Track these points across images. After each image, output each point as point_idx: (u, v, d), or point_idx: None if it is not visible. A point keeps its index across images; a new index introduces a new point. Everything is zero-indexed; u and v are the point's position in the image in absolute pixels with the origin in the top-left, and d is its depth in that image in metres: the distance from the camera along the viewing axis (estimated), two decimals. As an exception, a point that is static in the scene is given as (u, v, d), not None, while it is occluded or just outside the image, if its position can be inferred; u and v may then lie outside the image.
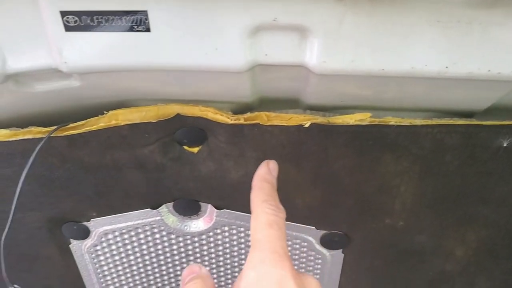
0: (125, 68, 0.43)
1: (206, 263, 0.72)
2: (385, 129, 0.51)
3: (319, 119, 0.51)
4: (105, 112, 0.52)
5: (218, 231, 0.67)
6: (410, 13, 0.39)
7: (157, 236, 0.68)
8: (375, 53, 0.41)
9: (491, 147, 0.52)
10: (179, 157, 0.57)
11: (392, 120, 0.51)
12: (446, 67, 0.41)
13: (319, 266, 0.70)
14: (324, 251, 0.68)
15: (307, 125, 0.51)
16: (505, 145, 0.52)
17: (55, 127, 0.52)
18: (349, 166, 0.56)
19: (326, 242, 0.66)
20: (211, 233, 0.67)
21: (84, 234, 0.67)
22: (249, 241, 0.68)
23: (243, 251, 0.70)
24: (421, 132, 0.51)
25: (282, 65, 0.43)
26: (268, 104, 0.54)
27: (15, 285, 0.53)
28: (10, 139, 0.53)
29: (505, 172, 0.54)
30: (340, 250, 0.68)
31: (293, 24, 0.39)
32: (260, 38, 0.41)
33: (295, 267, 0.70)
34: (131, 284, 0.75)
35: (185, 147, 0.56)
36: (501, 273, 0.68)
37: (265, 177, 0.48)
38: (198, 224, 0.66)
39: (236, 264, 0.72)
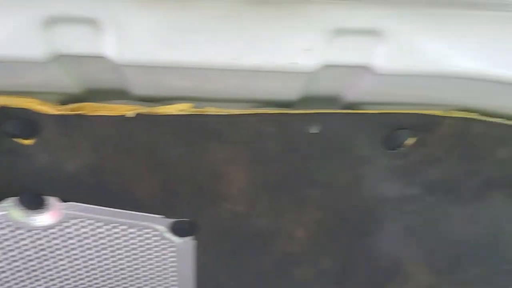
0: None
1: (61, 257, 0.72)
2: (206, 119, 0.54)
3: (143, 109, 0.54)
4: None
5: (68, 224, 0.67)
6: (196, 9, 0.42)
7: (4, 231, 0.67)
8: (165, 46, 0.44)
9: (304, 133, 0.57)
10: (12, 150, 0.57)
11: (211, 110, 0.54)
12: (234, 58, 0.44)
13: (172, 254, 0.73)
14: (175, 238, 0.70)
15: (130, 115, 0.53)
16: (316, 132, 0.57)
17: None
18: (179, 155, 0.59)
19: (176, 230, 0.69)
20: (60, 226, 0.68)
21: None
22: (101, 232, 0.69)
23: (96, 243, 0.71)
24: (239, 121, 0.55)
25: (82, 56, 0.45)
26: (98, 95, 0.56)
27: None
28: None
29: (321, 157, 0.60)
30: (191, 237, 0.71)
31: (85, 17, 0.42)
32: (56, 29, 0.43)
33: (148, 257, 0.73)
34: (-16, 282, 0.74)
35: (18, 140, 0.57)
36: (342, 250, 0.74)
37: None
38: (44, 218, 0.67)
39: (92, 256, 0.73)
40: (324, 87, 0.53)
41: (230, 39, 0.43)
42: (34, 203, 0.65)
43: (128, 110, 0.54)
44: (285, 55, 0.45)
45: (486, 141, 0.59)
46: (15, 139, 0.56)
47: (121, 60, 0.44)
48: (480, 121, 0.57)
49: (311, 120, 0.56)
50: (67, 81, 0.51)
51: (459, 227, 0.68)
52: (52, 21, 0.42)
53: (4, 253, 0.70)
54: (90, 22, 0.42)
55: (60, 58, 0.45)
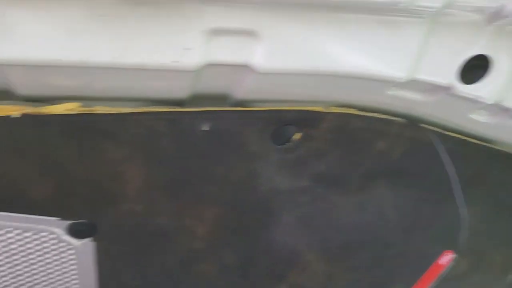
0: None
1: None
2: (93, 118, 0.55)
3: (29, 109, 0.53)
4: None
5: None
6: (78, 8, 0.43)
7: None
8: (49, 45, 0.45)
9: (196, 131, 0.59)
10: None
11: (100, 109, 0.55)
12: (115, 57, 0.46)
13: (72, 257, 0.72)
14: (73, 241, 0.70)
15: (16, 115, 0.53)
16: (207, 129, 0.59)
17: None
18: (72, 155, 0.58)
19: (74, 232, 0.68)
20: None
21: None
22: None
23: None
24: (129, 119, 0.56)
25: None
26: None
27: None
28: None
29: (214, 153, 0.62)
30: (90, 239, 0.70)
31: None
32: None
33: (47, 261, 0.71)
34: None
35: None
36: (242, 244, 0.77)
37: None
38: None
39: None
40: (211, 86, 0.56)
41: (111, 38, 0.45)
42: None
43: (13, 110, 0.53)
44: (166, 53, 0.46)
45: (365, 135, 0.64)
46: None
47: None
48: (358, 116, 0.62)
49: (202, 118, 0.58)
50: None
51: (347, 216, 0.73)
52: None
53: None
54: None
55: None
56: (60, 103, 0.55)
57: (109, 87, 0.55)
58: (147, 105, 0.59)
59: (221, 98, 0.60)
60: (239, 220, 0.73)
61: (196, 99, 0.59)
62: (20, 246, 0.69)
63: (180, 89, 0.55)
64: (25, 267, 0.72)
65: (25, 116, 0.53)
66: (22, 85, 0.52)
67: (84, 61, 0.46)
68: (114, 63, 0.46)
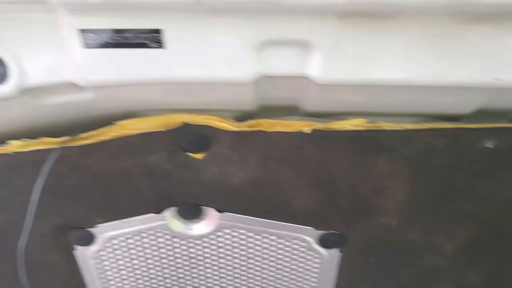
0: (140, 81, 0.46)
1: (208, 265, 0.75)
2: (379, 134, 0.55)
3: (319, 125, 0.55)
4: (114, 122, 0.55)
5: (220, 233, 0.69)
6: (405, 29, 0.42)
7: (161, 240, 0.70)
8: (372, 65, 0.45)
9: (477, 148, 0.56)
10: (184, 163, 0.60)
11: (385, 125, 0.55)
12: (437, 76, 0.44)
13: (316, 265, 0.73)
14: (322, 250, 0.71)
15: (307, 131, 0.54)
16: (490, 146, 0.56)
17: (68, 137, 0.54)
18: (345, 169, 0.59)
19: (324, 242, 0.70)
20: (213, 236, 0.70)
21: (89, 240, 0.69)
22: (250, 242, 0.71)
23: (244, 253, 0.72)
24: (412, 136, 0.55)
25: (285, 76, 0.46)
26: (268, 111, 0.58)
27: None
28: (22, 150, 0.55)
29: (490, 172, 0.59)
30: (337, 249, 0.71)
31: (298, 39, 0.43)
32: (266, 52, 0.44)
33: (292, 267, 0.74)
34: (135, 288, 0.78)
35: (190, 154, 0.59)
36: (489, 266, 0.72)
37: None
38: (200, 227, 0.69)
39: (237, 265, 0.75)
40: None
41: (437, 57, 0.43)
42: (192, 213, 0.68)
43: (305, 126, 0.55)
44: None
45: None
46: (188, 153, 0.59)
47: (323, 79, 0.45)
48: None
49: (488, 135, 0.55)
50: (252, 99, 0.52)
51: None
52: (265, 45, 0.43)
53: (157, 260, 0.73)
54: (301, 44, 0.43)
55: (260, 79, 0.46)
56: (341, 118, 0.56)
57: (393, 102, 0.54)
58: (421, 120, 0.58)
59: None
60: (492, 241, 0.69)
61: (477, 113, 0.56)
62: (272, 251, 0.72)
63: (467, 104, 0.53)
64: (272, 271, 0.75)
65: (314, 131, 0.55)
66: (314, 101, 0.53)
67: (401, 80, 0.45)
68: (432, 82, 0.45)
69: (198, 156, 0.59)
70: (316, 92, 0.50)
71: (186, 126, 0.56)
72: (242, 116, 0.58)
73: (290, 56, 0.44)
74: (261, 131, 0.55)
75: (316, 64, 0.44)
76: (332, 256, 0.72)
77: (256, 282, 0.77)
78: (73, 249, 0.70)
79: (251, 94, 0.50)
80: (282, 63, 0.45)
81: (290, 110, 0.57)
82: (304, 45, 0.43)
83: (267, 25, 0.42)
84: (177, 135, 0.56)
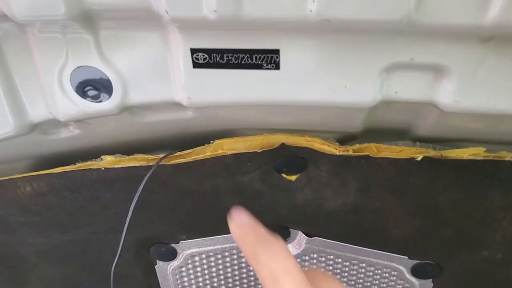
0: (249, 103, 0.42)
1: None
2: (500, 164, 0.49)
3: (432, 152, 0.50)
4: (211, 141, 0.52)
5: (306, 257, 0.66)
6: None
7: (243, 260, 0.67)
8: (509, 94, 0.40)
9: None
10: (276, 185, 0.56)
11: (507, 155, 0.49)
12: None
13: (407, 295, 0.68)
14: (414, 280, 0.66)
15: (419, 159, 0.50)
16: None
17: (163, 155, 0.52)
18: (453, 199, 0.54)
19: (417, 272, 0.65)
20: (298, 260, 0.66)
21: (171, 255, 0.67)
22: (337, 268, 0.67)
23: (328, 277, 0.68)
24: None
25: (409, 102, 0.42)
26: (373, 134, 0.53)
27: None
28: (115, 166, 0.54)
29: None
30: (430, 280, 0.66)
31: (430, 64, 0.38)
32: (393, 76, 0.40)
33: (382, 295, 0.69)
34: (211, 305, 0.75)
35: (283, 175, 0.56)
36: None
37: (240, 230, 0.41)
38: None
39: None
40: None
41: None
42: (279, 235, 0.64)
43: (416, 152, 0.50)
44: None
45: None
46: (282, 174, 0.55)
47: (453, 108, 0.40)
48: None
49: None
50: (361, 122, 0.48)
51: None
52: (393, 68, 0.39)
53: (237, 280, 0.71)
54: (433, 69, 0.39)
55: (380, 104, 0.42)
56: (456, 146, 0.51)
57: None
58: None
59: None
60: None
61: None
62: (360, 278, 0.68)
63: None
64: (357, 298, 0.70)
65: (426, 158, 0.50)
66: (429, 127, 0.48)
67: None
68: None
69: (291, 177, 0.56)
70: (437, 118, 0.45)
71: (283, 147, 0.52)
72: (344, 138, 0.54)
73: (418, 81, 0.40)
74: (366, 155, 0.50)
75: (446, 91, 0.40)
76: (424, 286, 0.67)
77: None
78: (154, 263, 0.68)
79: (363, 118, 0.46)
80: (408, 88, 0.41)
81: (398, 134, 0.53)
82: (436, 70, 0.39)
83: (398, 47, 0.37)
84: (272, 155, 0.53)
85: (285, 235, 0.64)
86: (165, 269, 0.69)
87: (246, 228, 0.41)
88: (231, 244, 0.65)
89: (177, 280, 0.71)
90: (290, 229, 0.63)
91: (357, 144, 0.51)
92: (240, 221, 0.42)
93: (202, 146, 0.52)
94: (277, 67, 0.40)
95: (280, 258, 0.35)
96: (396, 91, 0.41)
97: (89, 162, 0.54)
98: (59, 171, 0.54)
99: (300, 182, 0.56)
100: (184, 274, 0.70)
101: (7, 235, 0.64)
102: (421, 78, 0.40)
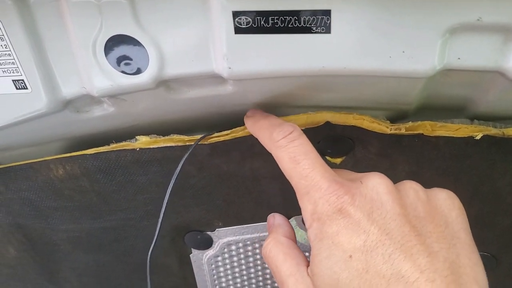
0: (295, 73, 0.39)
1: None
2: None
3: (493, 130, 0.45)
4: (250, 120, 0.49)
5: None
6: None
7: (282, 249, 0.64)
8: None
9: None
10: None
11: None
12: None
13: None
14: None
15: (478, 137, 0.45)
16: None
17: (200, 136, 0.49)
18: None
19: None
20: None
21: (207, 244, 0.64)
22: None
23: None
24: None
25: (472, 70, 0.38)
26: (426, 112, 0.49)
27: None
28: (150, 147, 0.51)
29: None
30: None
31: (500, 24, 0.34)
32: (456, 40, 0.36)
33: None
34: (248, 297, 0.72)
35: (328, 157, 0.52)
36: None
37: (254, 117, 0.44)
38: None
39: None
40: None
41: None
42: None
43: (475, 131, 0.46)
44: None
45: None
46: (326, 157, 0.52)
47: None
48: None
49: None
50: (416, 97, 0.44)
51: None
52: (457, 31, 0.35)
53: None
54: (503, 30, 0.34)
55: (440, 73, 0.38)
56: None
57: None
58: None
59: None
60: None
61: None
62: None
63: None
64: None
65: (485, 137, 0.45)
66: (491, 101, 0.44)
67: None
68: None
69: (336, 160, 0.52)
70: (501, 91, 0.41)
71: (328, 126, 0.48)
72: (395, 116, 0.50)
73: (485, 46, 0.36)
74: (420, 134, 0.46)
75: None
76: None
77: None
78: (189, 252, 0.66)
79: (418, 91, 0.42)
80: (473, 53, 0.36)
81: (453, 112, 0.49)
82: (506, 32, 0.35)
83: (463, 5, 0.33)
84: (316, 136, 0.49)
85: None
86: (200, 258, 0.66)
87: (260, 116, 0.43)
88: (270, 233, 0.62)
89: (213, 270, 0.68)
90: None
91: (410, 122, 0.47)
92: (253, 112, 0.44)
93: (242, 126, 0.49)
94: (327, 30, 0.36)
95: (298, 141, 0.37)
96: (459, 57, 0.37)
97: (123, 143, 0.51)
98: (93, 152, 0.52)
99: (345, 165, 0.52)
100: (220, 263, 0.67)
101: (39, 220, 0.62)
102: (488, 42, 0.36)
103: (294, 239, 0.42)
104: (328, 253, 0.33)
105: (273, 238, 0.41)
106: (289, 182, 0.52)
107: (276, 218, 0.44)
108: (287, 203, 0.57)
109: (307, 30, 0.36)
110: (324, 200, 0.34)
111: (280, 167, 0.38)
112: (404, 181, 0.36)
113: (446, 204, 0.34)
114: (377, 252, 0.31)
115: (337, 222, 0.33)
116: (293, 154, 0.37)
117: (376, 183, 0.34)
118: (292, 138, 0.38)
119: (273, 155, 0.39)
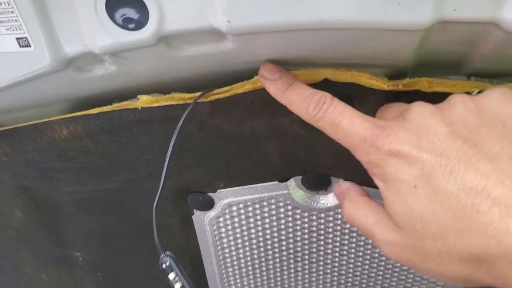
0: (294, 27, 0.39)
1: (330, 240, 0.69)
2: None
3: (489, 86, 0.46)
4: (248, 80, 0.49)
5: (348, 207, 0.63)
6: None
7: (282, 210, 0.66)
8: None
9: None
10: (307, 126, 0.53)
11: None
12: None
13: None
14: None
15: (474, 93, 0.46)
16: None
17: (200, 92, 0.50)
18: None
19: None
20: (339, 210, 0.64)
21: (209, 205, 0.66)
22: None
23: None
24: None
25: (468, 22, 0.38)
26: (423, 69, 0.50)
27: (167, 252, 0.52)
28: (151, 105, 0.52)
29: None
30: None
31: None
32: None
33: None
34: (249, 258, 0.74)
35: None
36: None
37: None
38: (326, 200, 0.63)
39: (361, 243, 0.69)
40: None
41: None
42: (319, 184, 0.62)
43: (471, 87, 0.46)
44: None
45: None
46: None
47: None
48: None
49: None
50: (412, 52, 0.44)
51: None
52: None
53: (275, 231, 0.69)
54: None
55: (434, 26, 0.38)
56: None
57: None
58: None
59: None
60: None
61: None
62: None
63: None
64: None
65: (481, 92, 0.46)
66: (488, 57, 0.44)
67: None
68: None
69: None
70: (497, 44, 0.41)
71: (326, 84, 0.49)
72: (392, 74, 0.51)
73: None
74: (417, 90, 0.47)
75: (513, 6, 0.36)
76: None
77: (381, 263, 0.71)
78: (191, 213, 0.67)
79: (415, 46, 0.43)
80: (468, 4, 0.37)
81: (450, 69, 0.49)
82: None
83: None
84: (315, 94, 0.50)
85: (326, 184, 0.61)
86: (202, 219, 0.68)
87: (282, 84, 0.45)
88: (270, 193, 0.63)
89: (214, 231, 0.70)
90: (331, 178, 0.60)
91: (407, 79, 0.47)
92: (270, 72, 0.46)
93: (241, 82, 0.49)
94: (325, -19, 0.36)
95: (331, 107, 0.41)
96: (454, 9, 0.37)
97: (125, 102, 0.52)
98: (96, 112, 0.53)
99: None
100: (221, 224, 0.68)
101: (45, 182, 0.63)
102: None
103: (367, 194, 0.44)
104: (395, 191, 0.35)
105: (348, 201, 0.43)
106: (287, 141, 0.53)
107: (342, 185, 0.46)
108: (285, 164, 0.58)
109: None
110: (373, 148, 0.37)
111: (327, 135, 0.42)
112: (452, 95, 0.37)
113: (498, 102, 0.34)
114: (437, 174, 0.32)
115: (391, 163, 0.35)
116: (331, 120, 0.40)
117: (416, 114, 0.36)
118: (325, 107, 0.41)
119: (315, 126, 0.42)
